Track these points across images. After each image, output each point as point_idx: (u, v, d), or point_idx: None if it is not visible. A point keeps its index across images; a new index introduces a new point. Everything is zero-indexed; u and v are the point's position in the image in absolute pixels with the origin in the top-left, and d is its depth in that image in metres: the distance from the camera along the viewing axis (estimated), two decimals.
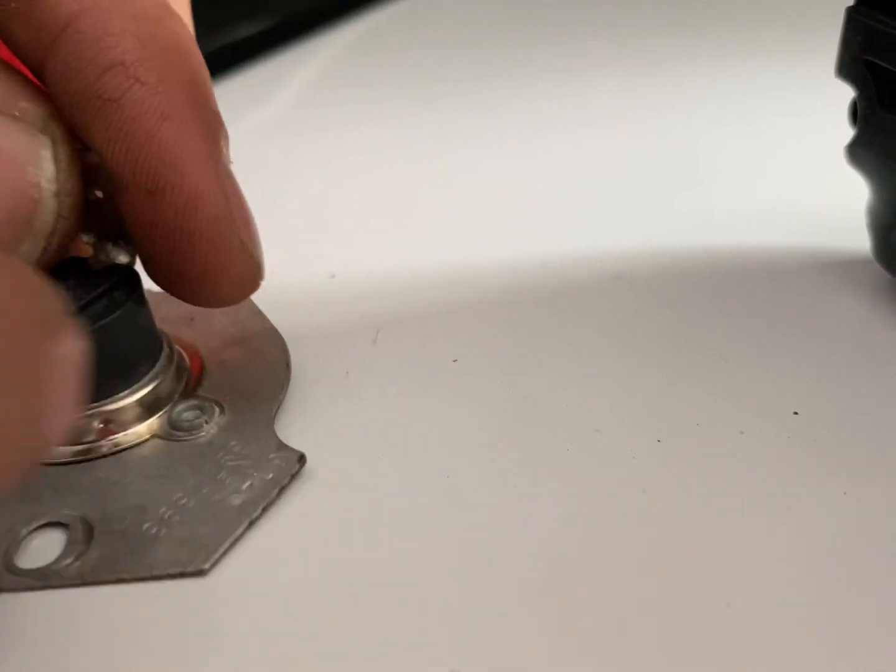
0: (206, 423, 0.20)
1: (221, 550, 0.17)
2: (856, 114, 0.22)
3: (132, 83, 0.17)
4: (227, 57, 0.38)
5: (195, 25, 0.21)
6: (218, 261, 0.18)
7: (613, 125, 0.33)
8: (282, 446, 0.19)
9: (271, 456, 0.19)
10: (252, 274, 0.19)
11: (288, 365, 0.21)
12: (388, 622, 0.16)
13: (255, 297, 0.22)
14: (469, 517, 0.18)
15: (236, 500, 0.18)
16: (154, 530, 0.18)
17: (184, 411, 0.20)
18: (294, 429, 0.20)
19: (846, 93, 0.22)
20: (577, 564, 0.17)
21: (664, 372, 0.22)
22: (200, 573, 0.17)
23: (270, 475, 0.19)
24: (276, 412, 0.20)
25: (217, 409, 0.20)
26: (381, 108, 0.36)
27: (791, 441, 0.20)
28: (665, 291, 0.24)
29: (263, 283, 0.24)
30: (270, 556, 0.18)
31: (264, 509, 0.18)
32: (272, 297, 0.25)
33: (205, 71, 0.19)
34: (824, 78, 0.23)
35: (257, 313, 0.23)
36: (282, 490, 0.18)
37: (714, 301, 0.24)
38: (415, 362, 0.22)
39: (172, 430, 0.20)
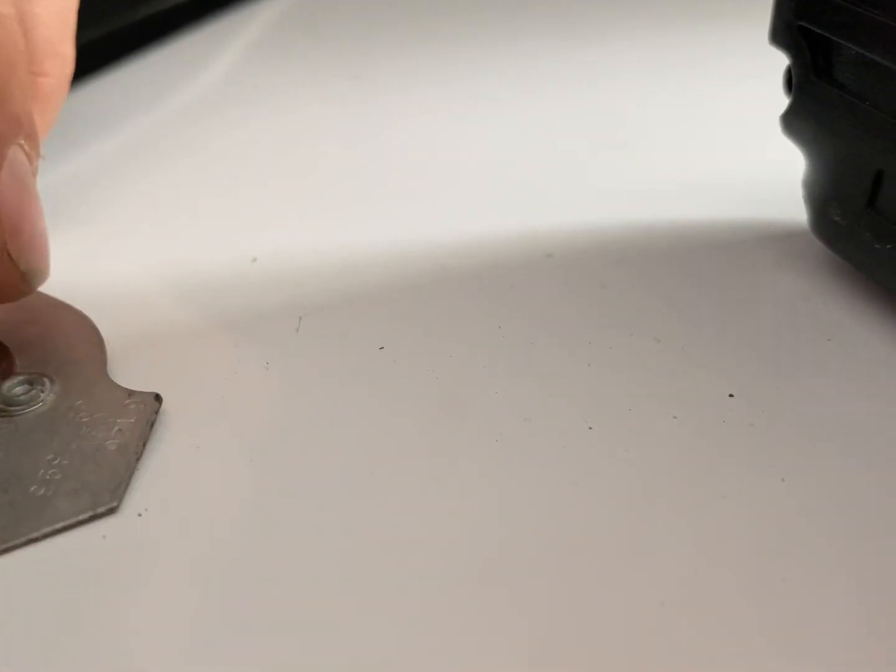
0: (42, 392, 0.19)
1: (123, 486, 0.18)
2: (791, 82, 0.22)
3: None
4: (155, 26, 0.36)
5: None
6: None
7: (545, 99, 0.33)
8: (132, 393, 0.19)
9: (126, 402, 0.19)
10: (12, 283, 0.19)
11: (94, 327, 0.21)
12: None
13: (171, 281, 0.21)
14: (392, 513, 0.17)
15: (112, 446, 0.18)
16: (42, 491, 0.17)
17: (13, 387, 0.20)
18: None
19: (781, 60, 0.21)
20: (506, 563, 0.17)
21: (595, 355, 0.21)
22: (112, 511, 0.17)
23: (134, 418, 0.19)
24: (106, 369, 0.20)
25: (46, 380, 0.20)
26: (310, 82, 0.34)
27: (726, 425, 0.19)
28: (597, 269, 0.24)
29: (182, 269, 0.23)
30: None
31: (145, 444, 0.18)
32: (191, 282, 0.24)
33: (7, 73, 0.18)
34: (758, 45, 0.22)
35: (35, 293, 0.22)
36: (152, 426, 0.19)
37: (648, 278, 0.23)
38: (339, 351, 0.22)
39: (7, 407, 0.19)
